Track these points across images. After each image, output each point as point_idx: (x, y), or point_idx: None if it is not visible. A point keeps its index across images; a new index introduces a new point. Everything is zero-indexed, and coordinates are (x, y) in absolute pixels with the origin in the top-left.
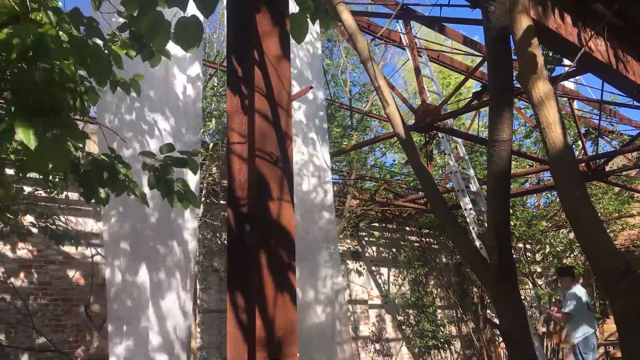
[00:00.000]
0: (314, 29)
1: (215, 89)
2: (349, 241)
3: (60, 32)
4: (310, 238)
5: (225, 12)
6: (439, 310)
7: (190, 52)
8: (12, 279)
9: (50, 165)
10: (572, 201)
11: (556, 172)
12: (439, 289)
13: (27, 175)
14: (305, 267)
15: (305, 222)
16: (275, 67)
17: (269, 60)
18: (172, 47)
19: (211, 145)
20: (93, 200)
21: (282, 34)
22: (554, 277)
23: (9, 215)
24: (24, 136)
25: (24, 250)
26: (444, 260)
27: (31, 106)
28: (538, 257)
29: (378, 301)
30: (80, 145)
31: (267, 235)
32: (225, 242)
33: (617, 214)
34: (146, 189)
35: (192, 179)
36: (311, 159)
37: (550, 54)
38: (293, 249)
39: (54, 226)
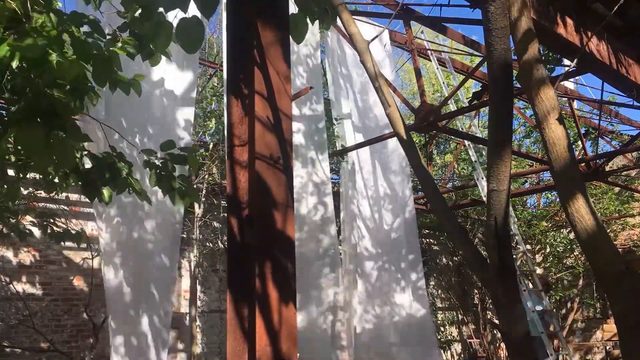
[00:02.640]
0: (314, 39)
1: (215, 89)
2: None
3: (64, 35)
4: (312, 254)
5: (225, 12)
6: (439, 312)
7: (191, 52)
8: (12, 279)
9: (52, 166)
10: (571, 201)
11: (556, 173)
12: (439, 290)
13: (27, 176)
14: (306, 279)
15: (308, 241)
16: (276, 69)
17: (269, 63)
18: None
19: (211, 145)
20: (96, 199)
21: (283, 36)
22: (554, 278)
23: (9, 215)
24: (23, 138)
25: (24, 250)
26: (444, 260)
27: (31, 109)
28: (538, 257)
29: None
30: (81, 145)
31: (267, 238)
32: (225, 242)
33: (617, 214)
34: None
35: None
36: (310, 177)
37: (550, 54)
38: (293, 252)
39: (54, 226)
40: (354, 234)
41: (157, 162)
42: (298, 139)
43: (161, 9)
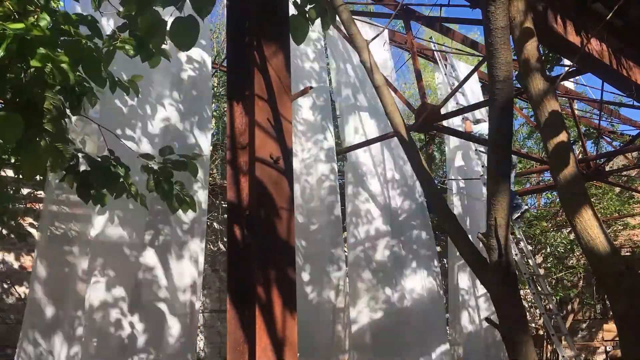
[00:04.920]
0: (317, 28)
1: (215, 89)
2: None
3: (52, 32)
4: (316, 238)
5: (225, 12)
6: None
7: (185, 50)
8: (13, 282)
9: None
10: (572, 202)
11: (556, 173)
12: (440, 292)
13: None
14: (310, 266)
15: (311, 222)
16: (277, 73)
17: (270, 67)
18: None
19: (211, 146)
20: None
21: (283, 40)
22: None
23: (7, 216)
24: (2, 129)
25: (24, 253)
26: (444, 262)
27: (12, 102)
28: (539, 258)
29: None
30: (79, 146)
31: (267, 240)
32: (225, 242)
33: (617, 214)
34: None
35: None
36: (319, 156)
37: (550, 54)
38: (293, 254)
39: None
40: (361, 221)
41: (155, 167)
42: (305, 112)
43: (156, 8)
